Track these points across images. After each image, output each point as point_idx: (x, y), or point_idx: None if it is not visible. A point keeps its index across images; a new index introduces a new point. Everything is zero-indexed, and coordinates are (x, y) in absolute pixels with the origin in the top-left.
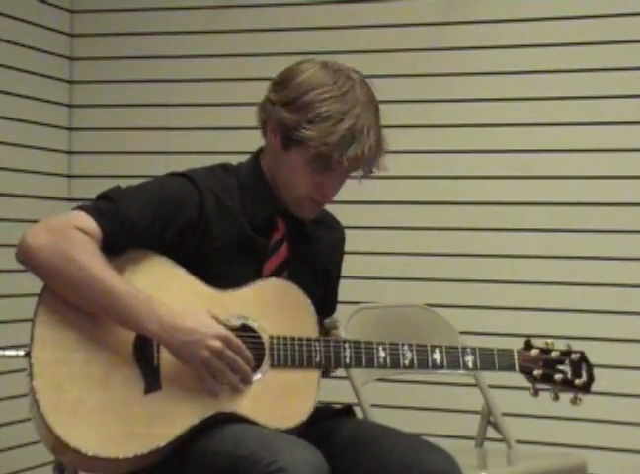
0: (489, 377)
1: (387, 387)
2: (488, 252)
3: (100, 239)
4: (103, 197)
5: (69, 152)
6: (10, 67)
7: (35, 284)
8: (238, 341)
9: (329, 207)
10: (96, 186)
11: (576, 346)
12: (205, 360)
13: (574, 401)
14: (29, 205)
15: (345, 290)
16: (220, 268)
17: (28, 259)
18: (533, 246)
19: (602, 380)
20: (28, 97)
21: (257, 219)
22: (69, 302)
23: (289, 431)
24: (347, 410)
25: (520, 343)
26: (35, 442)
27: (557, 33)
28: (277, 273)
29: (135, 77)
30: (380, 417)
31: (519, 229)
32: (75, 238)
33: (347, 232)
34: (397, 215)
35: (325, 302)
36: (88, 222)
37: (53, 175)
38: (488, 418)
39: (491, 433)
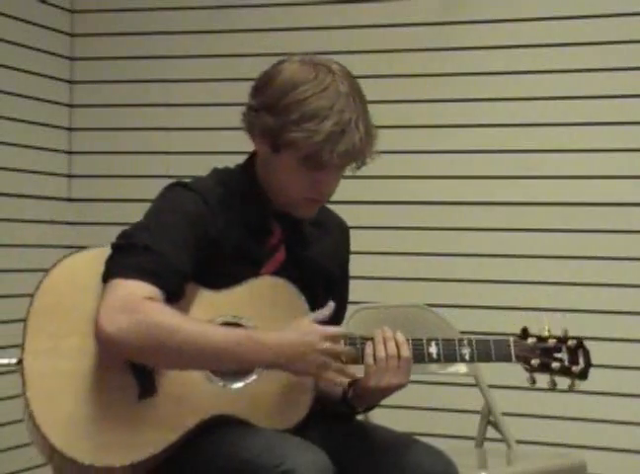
0: (489, 377)
1: None
2: (488, 252)
3: (164, 299)
4: (141, 246)
5: (69, 152)
6: (10, 67)
7: (33, 285)
8: (340, 331)
9: (331, 209)
10: (96, 186)
11: None
12: (323, 364)
13: (571, 387)
14: (29, 205)
15: None
16: (220, 273)
17: (121, 347)
18: (533, 246)
19: (602, 380)
20: (28, 97)
21: (252, 224)
22: (60, 311)
23: (287, 431)
24: (344, 413)
25: None
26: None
27: (557, 33)
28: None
29: (135, 77)
30: (380, 417)
31: (519, 229)
32: (149, 309)
33: None
34: (397, 215)
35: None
36: (147, 288)
37: (53, 175)
38: (488, 418)
39: (491, 433)
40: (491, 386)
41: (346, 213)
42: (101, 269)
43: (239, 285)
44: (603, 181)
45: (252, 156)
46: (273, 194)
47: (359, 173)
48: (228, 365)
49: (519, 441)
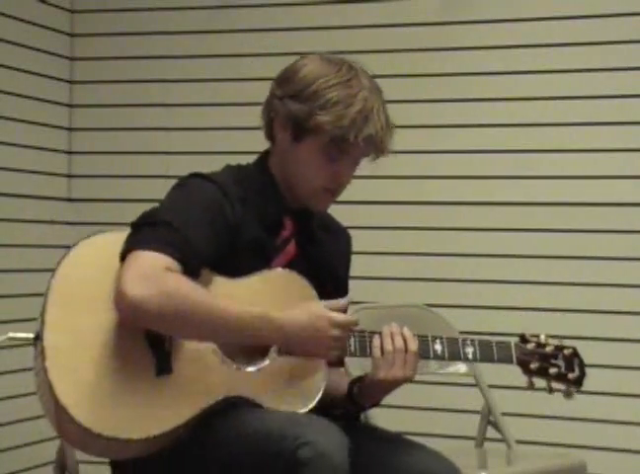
0: (489, 377)
1: None
2: (488, 252)
3: (181, 271)
4: (160, 223)
5: (69, 152)
6: (10, 67)
7: (33, 285)
8: (350, 318)
9: (331, 209)
10: (96, 186)
11: (577, 346)
12: (331, 349)
13: (567, 394)
14: (29, 205)
15: None
16: (233, 263)
17: (142, 314)
18: (533, 246)
19: (602, 380)
20: (28, 97)
21: (266, 218)
22: (82, 286)
23: None
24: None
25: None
26: (35, 442)
27: (557, 33)
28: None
29: (135, 77)
30: (380, 417)
31: (519, 229)
32: (171, 278)
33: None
34: (397, 215)
35: None
36: (167, 260)
37: (53, 175)
38: (488, 418)
39: (491, 433)
40: (491, 386)
41: (346, 213)
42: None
43: (253, 275)
44: (604, 181)
45: (264, 154)
46: (289, 186)
47: (359, 173)
48: (242, 340)
49: (519, 441)
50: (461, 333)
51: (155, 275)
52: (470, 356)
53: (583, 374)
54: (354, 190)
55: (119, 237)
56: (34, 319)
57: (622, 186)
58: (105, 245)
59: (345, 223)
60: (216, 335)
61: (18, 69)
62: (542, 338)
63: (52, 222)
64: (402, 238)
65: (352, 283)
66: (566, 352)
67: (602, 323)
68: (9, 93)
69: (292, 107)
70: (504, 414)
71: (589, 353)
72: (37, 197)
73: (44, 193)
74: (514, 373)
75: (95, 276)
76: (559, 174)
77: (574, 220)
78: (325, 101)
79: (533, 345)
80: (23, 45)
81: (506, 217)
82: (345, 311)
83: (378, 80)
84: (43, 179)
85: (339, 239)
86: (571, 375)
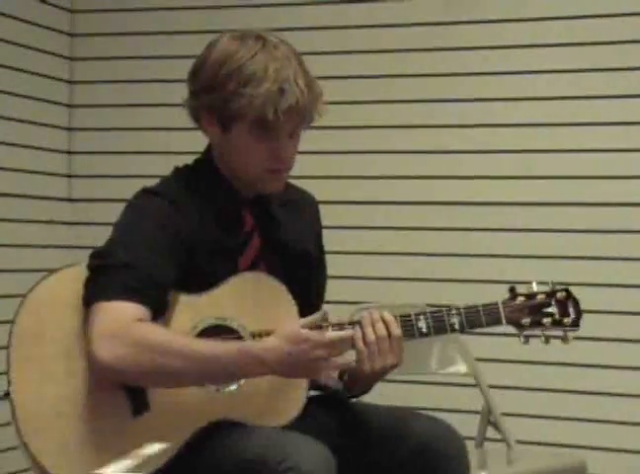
0: (489, 377)
1: (386, 387)
2: (488, 252)
3: (150, 315)
4: (117, 265)
5: (69, 152)
6: (10, 67)
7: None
8: (331, 336)
9: (331, 208)
10: (96, 186)
11: (576, 346)
12: (319, 369)
13: (564, 340)
14: (29, 205)
15: (345, 290)
16: (198, 273)
17: (119, 374)
18: (533, 246)
19: (602, 380)
20: (28, 97)
21: (222, 216)
22: (42, 336)
23: (284, 427)
24: (335, 396)
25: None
26: None
27: (557, 33)
28: (253, 267)
29: (135, 77)
30: None
31: (519, 229)
32: (139, 331)
33: (346, 232)
34: (397, 215)
35: (312, 287)
36: (132, 309)
37: (53, 175)
38: (488, 418)
39: (491, 433)
40: (491, 386)
41: (346, 214)
42: (78, 287)
43: (219, 286)
44: (604, 181)
45: (208, 149)
46: (236, 176)
47: (359, 173)
48: (226, 381)
49: (519, 441)
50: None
51: (123, 330)
52: (457, 327)
53: (579, 316)
54: (354, 190)
55: (72, 274)
56: None
57: (623, 186)
58: (60, 285)
59: (345, 223)
60: (201, 379)
61: (18, 69)
62: (534, 286)
63: (52, 222)
64: (402, 238)
65: (352, 283)
66: (559, 296)
67: (602, 323)
68: (9, 93)
69: (208, 100)
70: (504, 414)
71: (589, 352)
72: (37, 198)
73: (44, 193)
74: (514, 373)
75: (55, 319)
76: (559, 174)
77: (574, 220)
78: (235, 84)
79: (522, 298)
80: (23, 45)
81: (506, 217)
82: (326, 320)
83: (379, 80)
84: (43, 179)
85: (303, 211)
86: (566, 320)
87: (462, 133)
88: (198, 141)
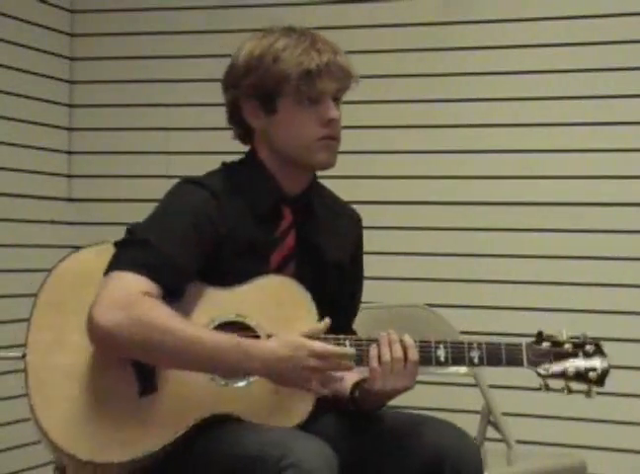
0: (489, 377)
1: None
2: (488, 252)
3: (161, 294)
4: (140, 241)
5: (69, 152)
6: (10, 67)
7: (33, 285)
8: (328, 348)
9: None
10: (96, 186)
11: None
12: (309, 380)
13: (588, 394)
14: (29, 205)
15: None
16: (230, 266)
17: (111, 341)
18: (533, 246)
19: None
20: (28, 96)
21: (262, 212)
22: (64, 308)
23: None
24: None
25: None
26: (35, 443)
27: (557, 33)
28: (283, 265)
29: (135, 77)
30: None
31: (519, 229)
32: (145, 305)
33: None
34: (397, 215)
35: (338, 298)
36: (144, 283)
37: (53, 175)
38: (488, 418)
39: (491, 433)
40: (491, 386)
41: None
42: (104, 265)
43: (245, 284)
44: (604, 181)
45: (251, 149)
46: (288, 164)
47: (359, 173)
48: (215, 372)
49: (518, 441)
50: (461, 333)
51: (128, 301)
52: (476, 361)
53: (605, 372)
54: (353, 189)
55: (100, 251)
56: None
57: (622, 186)
58: (88, 261)
59: None
60: (189, 365)
61: (18, 69)
62: (563, 335)
63: (52, 222)
64: (402, 238)
65: None
66: (587, 348)
67: (602, 323)
68: (9, 93)
69: (247, 81)
70: (504, 414)
71: None
72: (37, 197)
73: (44, 193)
74: (514, 373)
75: (78, 294)
76: (559, 174)
77: (575, 220)
78: (274, 53)
79: (548, 344)
80: (23, 45)
81: (506, 217)
82: (328, 332)
83: (379, 79)
84: (43, 179)
85: (345, 224)
86: (592, 374)
87: (462, 133)
88: (197, 141)
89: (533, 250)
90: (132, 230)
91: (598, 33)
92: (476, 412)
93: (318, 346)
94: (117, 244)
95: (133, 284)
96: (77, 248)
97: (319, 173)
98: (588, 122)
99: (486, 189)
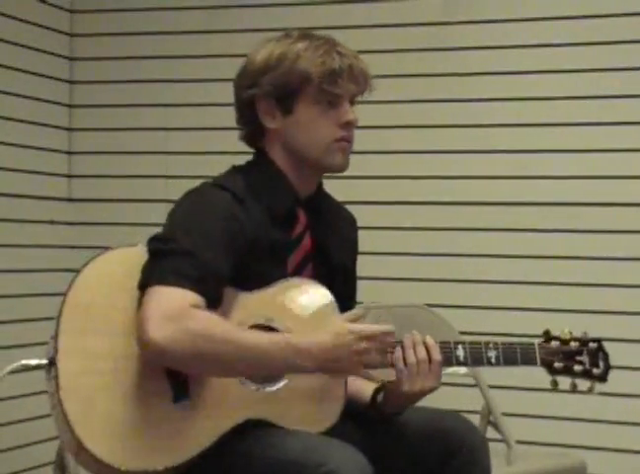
0: (489, 377)
1: None
2: (488, 252)
3: (206, 304)
4: (179, 251)
5: (69, 152)
6: (10, 67)
7: (33, 285)
8: (373, 328)
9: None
10: (96, 186)
11: None
12: (361, 364)
13: (591, 389)
14: (29, 205)
15: None
16: (250, 268)
17: (170, 357)
18: (533, 246)
19: None
20: (28, 97)
21: (279, 214)
22: (94, 310)
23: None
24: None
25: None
26: (35, 442)
27: (557, 33)
28: (301, 266)
29: (135, 77)
30: None
31: (518, 229)
32: (197, 317)
33: None
34: (397, 215)
35: (344, 302)
36: (191, 296)
37: (53, 175)
38: (488, 418)
39: (491, 433)
40: (491, 386)
41: None
42: (133, 268)
43: (270, 287)
44: (604, 181)
45: (259, 151)
46: (301, 165)
47: (359, 173)
48: (273, 372)
49: (519, 441)
50: (461, 333)
51: (179, 315)
52: (493, 361)
53: (607, 369)
54: (353, 189)
55: (128, 254)
56: (34, 320)
57: (622, 186)
58: (115, 263)
59: None
60: (248, 370)
61: (18, 69)
62: (566, 333)
63: (52, 222)
64: (402, 238)
65: None
66: (591, 346)
67: (602, 323)
68: (9, 93)
69: (269, 80)
70: (504, 414)
71: None
72: (37, 198)
73: (44, 193)
74: (514, 373)
75: (106, 297)
76: (559, 174)
77: (574, 220)
78: (296, 53)
79: (557, 343)
80: (23, 45)
81: (506, 217)
82: (364, 316)
83: (379, 80)
84: (43, 179)
85: (344, 226)
86: (595, 371)
87: (462, 133)
88: (197, 141)
89: (533, 250)
90: (165, 238)
91: (598, 33)
92: (476, 412)
93: (363, 327)
94: (151, 252)
95: (181, 298)
96: (79, 247)
97: None
98: (588, 123)
99: (485, 189)
